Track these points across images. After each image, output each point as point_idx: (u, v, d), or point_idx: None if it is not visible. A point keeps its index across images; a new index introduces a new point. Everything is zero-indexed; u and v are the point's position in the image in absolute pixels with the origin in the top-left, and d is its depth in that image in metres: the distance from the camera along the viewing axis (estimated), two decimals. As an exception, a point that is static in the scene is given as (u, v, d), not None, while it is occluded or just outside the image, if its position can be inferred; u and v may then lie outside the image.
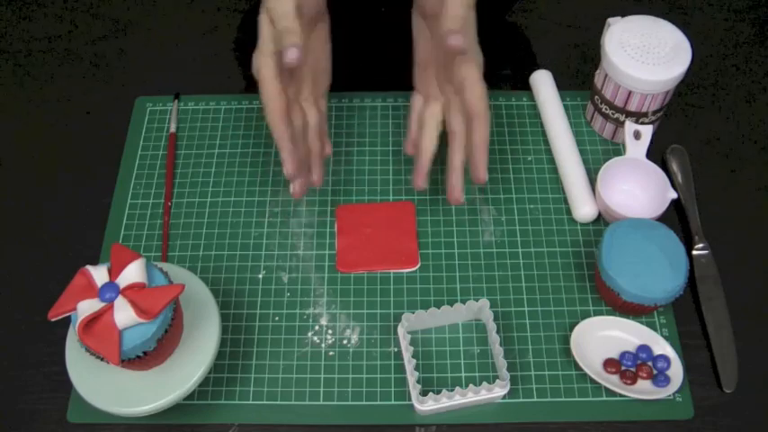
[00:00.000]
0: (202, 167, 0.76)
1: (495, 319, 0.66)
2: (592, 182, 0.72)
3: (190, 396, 0.63)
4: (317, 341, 0.66)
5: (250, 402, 0.63)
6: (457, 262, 0.69)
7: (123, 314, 0.54)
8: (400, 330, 0.64)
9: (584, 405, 0.62)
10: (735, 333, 0.65)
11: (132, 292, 0.55)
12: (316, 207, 0.73)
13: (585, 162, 0.74)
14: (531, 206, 0.72)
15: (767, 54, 0.83)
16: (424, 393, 0.62)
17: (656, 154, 0.74)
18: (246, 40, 0.86)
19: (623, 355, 0.63)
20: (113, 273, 0.55)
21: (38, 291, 0.69)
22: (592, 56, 0.82)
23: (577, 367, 0.63)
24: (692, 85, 0.80)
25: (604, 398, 0.62)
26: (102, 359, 0.56)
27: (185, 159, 0.76)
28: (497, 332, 0.63)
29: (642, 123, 0.72)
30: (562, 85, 0.79)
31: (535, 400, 0.62)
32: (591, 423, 0.61)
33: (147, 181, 0.75)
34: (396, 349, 0.65)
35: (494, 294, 0.67)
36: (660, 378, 0.62)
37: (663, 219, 0.68)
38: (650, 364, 0.63)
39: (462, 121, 0.65)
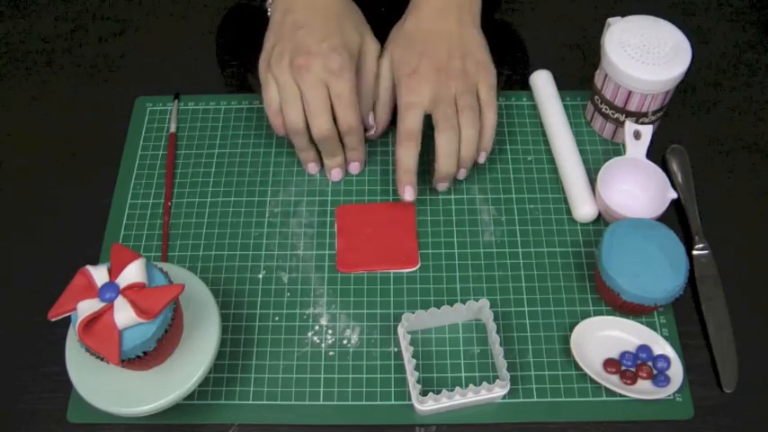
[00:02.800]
0: (202, 167, 0.76)
1: (495, 319, 0.66)
2: (592, 182, 0.72)
3: (190, 396, 0.63)
4: (317, 341, 0.66)
5: (250, 402, 0.63)
6: (457, 262, 0.69)
7: (123, 314, 0.54)
8: (400, 330, 0.64)
9: (584, 405, 0.62)
10: (735, 333, 0.65)
11: (132, 292, 0.55)
12: (316, 207, 0.73)
13: (585, 162, 0.74)
14: (531, 206, 0.72)
15: (767, 54, 0.83)
16: (424, 393, 0.62)
17: (656, 154, 0.74)
18: (247, 39, 0.86)
19: (623, 355, 0.63)
20: (113, 273, 0.55)
21: (38, 291, 0.69)
22: (592, 56, 0.82)
23: (577, 367, 0.63)
24: (692, 85, 0.80)
25: (604, 398, 0.62)
26: (102, 359, 0.56)
27: (185, 159, 0.76)
28: (497, 332, 0.63)
29: (642, 123, 0.72)
30: (562, 85, 0.79)
31: (535, 400, 0.62)
32: (591, 423, 0.61)
33: (147, 181, 0.75)
34: (396, 349, 0.65)
35: (494, 294, 0.67)
36: (660, 378, 0.62)
37: (663, 219, 0.68)
38: (650, 364, 0.63)
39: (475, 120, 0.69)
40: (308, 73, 0.66)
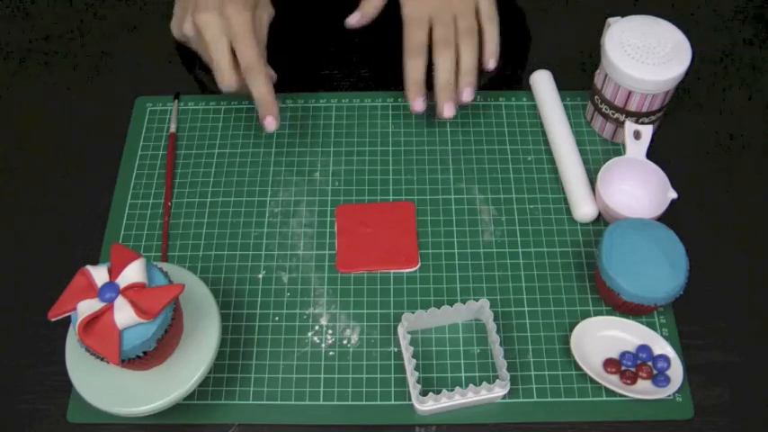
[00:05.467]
0: (202, 167, 0.76)
1: (495, 319, 0.66)
2: (592, 182, 0.72)
3: (190, 396, 0.63)
4: (317, 341, 0.66)
5: (250, 402, 0.63)
6: (457, 262, 0.69)
7: (123, 314, 0.54)
8: (400, 330, 0.64)
9: (584, 405, 0.62)
10: (736, 335, 0.65)
11: (132, 292, 0.55)
12: (316, 207, 0.73)
13: (585, 162, 0.74)
14: (531, 206, 0.72)
15: (767, 54, 0.83)
16: (424, 393, 0.62)
17: (656, 154, 0.74)
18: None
19: (623, 355, 0.63)
20: (113, 273, 0.55)
21: (38, 291, 0.69)
22: (592, 56, 0.82)
23: (577, 367, 0.63)
24: (692, 84, 0.80)
25: (604, 398, 0.62)
26: (102, 359, 0.56)
27: (185, 159, 0.76)
28: (497, 332, 0.63)
29: (642, 123, 0.72)
30: (562, 85, 0.79)
31: (535, 400, 0.62)
32: (591, 423, 0.61)
33: (147, 181, 0.75)
34: (396, 349, 0.65)
35: (494, 294, 0.67)
36: (660, 378, 0.62)
37: (663, 219, 0.68)
38: (650, 364, 0.63)
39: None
40: (207, 30, 0.69)
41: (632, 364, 0.63)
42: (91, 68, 0.84)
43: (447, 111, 0.72)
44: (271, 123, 0.70)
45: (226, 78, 0.69)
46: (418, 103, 0.72)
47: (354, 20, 0.76)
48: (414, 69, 0.72)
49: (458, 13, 0.72)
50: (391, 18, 0.74)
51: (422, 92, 0.72)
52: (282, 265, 0.70)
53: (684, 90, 0.80)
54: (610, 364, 0.62)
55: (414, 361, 0.62)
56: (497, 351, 0.62)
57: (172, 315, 0.57)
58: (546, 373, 0.64)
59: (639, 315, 0.65)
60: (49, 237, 0.72)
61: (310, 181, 0.74)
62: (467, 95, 0.72)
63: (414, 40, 0.71)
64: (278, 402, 0.63)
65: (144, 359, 0.56)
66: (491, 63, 0.74)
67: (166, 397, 0.58)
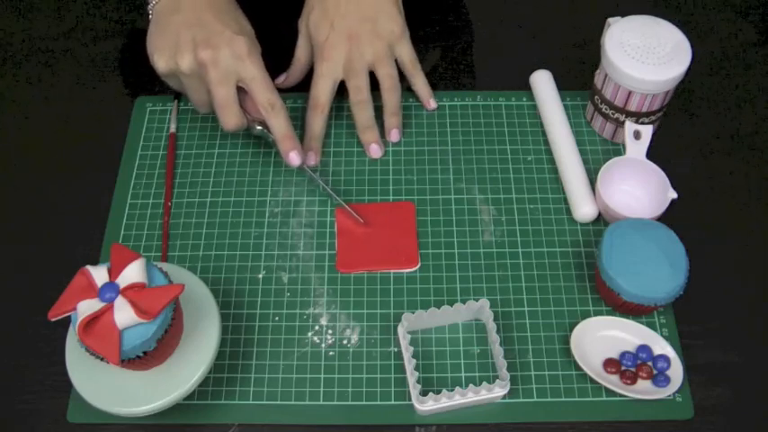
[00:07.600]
0: (202, 167, 0.76)
1: (495, 319, 0.66)
2: (592, 182, 0.72)
3: (190, 396, 0.63)
4: (317, 341, 0.66)
5: (250, 402, 0.63)
6: (457, 262, 0.69)
7: (123, 314, 0.54)
8: (400, 330, 0.64)
9: (584, 405, 0.62)
10: (736, 335, 0.65)
11: (132, 292, 0.55)
12: (316, 207, 0.73)
13: (585, 162, 0.74)
14: (531, 206, 0.72)
15: (767, 54, 0.83)
16: (424, 393, 0.62)
17: (656, 154, 0.74)
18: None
19: (623, 355, 0.63)
20: (113, 273, 0.55)
21: (38, 291, 0.69)
22: (592, 56, 0.81)
23: (577, 367, 0.63)
24: (693, 84, 0.80)
25: (604, 398, 0.62)
26: (102, 359, 0.56)
27: (185, 159, 0.76)
28: (497, 332, 0.63)
29: (642, 123, 0.72)
30: (562, 85, 0.79)
31: (535, 400, 0.62)
32: (591, 423, 0.61)
33: (147, 181, 0.75)
34: (396, 349, 0.65)
35: (494, 294, 0.67)
36: (660, 378, 0.62)
37: (663, 219, 0.68)
38: (650, 364, 0.63)
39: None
40: (215, 68, 0.66)
41: (632, 364, 0.63)
42: (91, 68, 0.84)
43: (373, 152, 0.75)
44: (295, 158, 0.70)
45: (234, 119, 0.68)
46: (312, 158, 0.74)
47: (280, 80, 0.79)
48: (314, 124, 0.73)
49: (374, 63, 0.72)
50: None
51: (318, 147, 0.74)
52: (282, 265, 0.70)
53: (684, 90, 0.80)
54: (610, 364, 0.62)
55: (414, 361, 0.62)
56: (497, 351, 0.62)
57: (172, 315, 0.57)
58: (546, 373, 0.64)
59: (639, 315, 0.65)
60: (49, 237, 0.72)
61: (310, 181, 0.74)
62: (394, 137, 0.76)
63: (316, 94, 0.73)
64: (278, 402, 0.63)
65: (144, 359, 0.56)
66: (431, 103, 0.78)
67: (166, 397, 0.58)
